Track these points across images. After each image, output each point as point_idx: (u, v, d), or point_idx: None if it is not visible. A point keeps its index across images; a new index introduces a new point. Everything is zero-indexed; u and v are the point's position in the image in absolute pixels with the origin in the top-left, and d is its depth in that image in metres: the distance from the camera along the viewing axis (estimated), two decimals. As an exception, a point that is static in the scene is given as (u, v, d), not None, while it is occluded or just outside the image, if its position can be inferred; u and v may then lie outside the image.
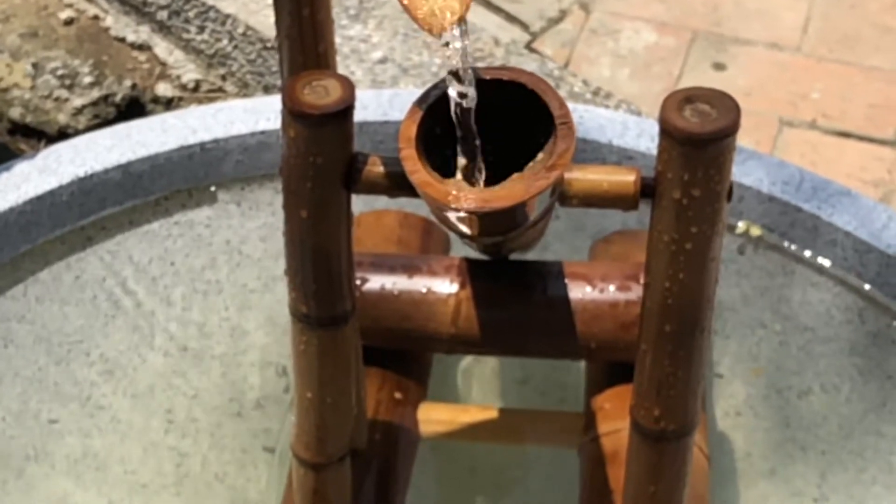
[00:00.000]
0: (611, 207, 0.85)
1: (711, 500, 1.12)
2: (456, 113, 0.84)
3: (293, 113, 0.82)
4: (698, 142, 0.80)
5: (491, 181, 0.86)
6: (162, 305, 1.24)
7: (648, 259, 0.87)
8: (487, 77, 0.84)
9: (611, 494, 1.06)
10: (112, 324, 1.23)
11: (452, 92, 0.83)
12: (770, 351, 1.23)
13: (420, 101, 0.85)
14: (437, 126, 0.85)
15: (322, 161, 0.84)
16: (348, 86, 0.83)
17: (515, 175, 0.84)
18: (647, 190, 0.84)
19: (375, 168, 0.86)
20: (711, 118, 0.80)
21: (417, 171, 0.83)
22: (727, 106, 0.80)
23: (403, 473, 1.11)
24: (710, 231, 0.84)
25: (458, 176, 0.86)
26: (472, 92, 0.83)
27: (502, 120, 0.86)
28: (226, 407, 1.24)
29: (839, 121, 1.71)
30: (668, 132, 0.80)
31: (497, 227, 0.91)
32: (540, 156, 0.85)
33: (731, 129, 0.80)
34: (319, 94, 0.83)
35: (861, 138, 1.69)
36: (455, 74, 0.82)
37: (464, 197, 0.83)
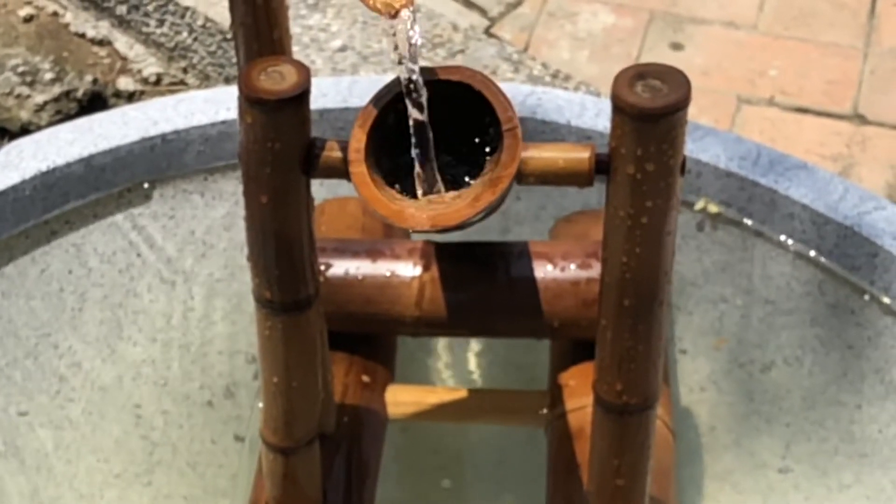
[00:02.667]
0: (566, 184, 0.86)
1: (677, 475, 1.14)
2: (410, 119, 0.84)
3: (249, 99, 0.83)
4: (650, 117, 0.81)
5: (449, 174, 0.86)
6: (129, 297, 1.25)
7: (605, 235, 0.88)
8: (439, 76, 0.84)
9: (577, 470, 1.07)
10: (79, 316, 1.23)
11: (407, 101, 0.83)
12: (732, 325, 1.24)
13: (371, 104, 0.85)
14: (389, 120, 0.85)
15: (280, 146, 0.85)
16: (304, 71, 0.84)
17: (463, 191, 0.84)
18: (602, 166, 0.85)
19: (333, 153, 0.87)
20: (663, 93, 0.81)
21: (366, 185, 0.84)
22: (678, 81, 0.81)
23: (373, 456, 1.12)
24: (665, 205, 0.85)
25: (416, 180, 0.86)
26: (421, 87, 0.83)
27: (456, 114, 0.86)
28: (195, 396, 1.25)
29: (797, 97, 1.73)
30: (620, 108, 0.81)
31: (448, 229, 0.92)
32: (488, 163, 0.85)
33: (683, 104, 0.81)
34: (275, 79, 0.83)
35: (819, 114, 1.71)
36: (408, 81, 0.83)
37: (410, 217, 0.83)
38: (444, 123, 0.85)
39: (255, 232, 0.90)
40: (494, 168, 0.84)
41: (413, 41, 0.82)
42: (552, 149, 0.86)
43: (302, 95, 0.84)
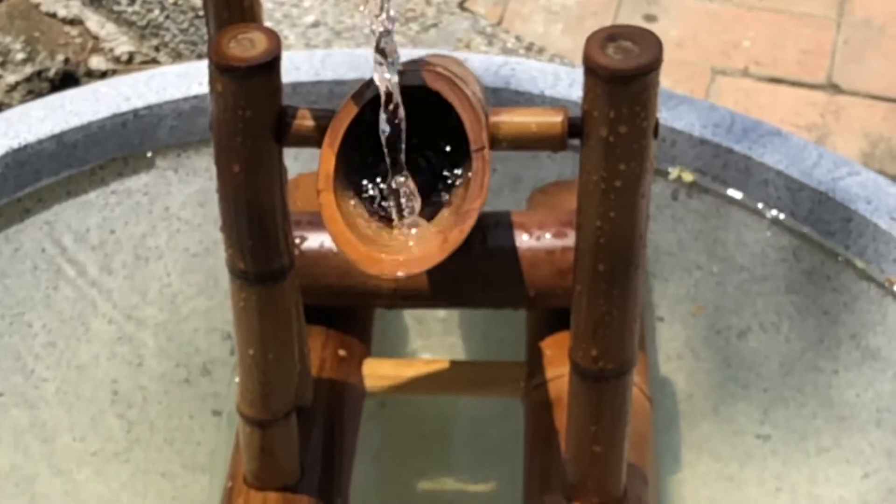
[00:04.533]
0: (540, 149, 0.86)
1: (655, 443, 1.14)
2: (382, 135, 0.82)
3: (220, 67, 0.83)
4: (622, 78, 0.81)
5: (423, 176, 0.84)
6: (103, 274, 1.24)
7: (579, 199, 0.88)
8: (414, 82, 0.82)
9: (555, 438, 1.07)
10: (54, 295, 1.23)
11: (382, 116, 0.81)
12: (708, 292, 1.24)
13: (339, 119, 0.82)
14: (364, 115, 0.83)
15: (251, 114, 0.84)
16: (274, 38, 0.84)
17: (430, 226, 0.82)
18: (575, 130, 0.85)
19: (305, 121, 0.87)
20: (634, 54, 0.81)
21: (334, 221, 0.82)
22: (650, 42, 0.81)
23: (351, 429, 1.12)
24: (639, 168, 0.85)
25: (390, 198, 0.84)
26: (394, 79, 0.81)
27: (430, 111, 0.84)
28: (172, 373, 1.25)
29: (771, 68, 1.73)
30: (592, 70, 0.81)
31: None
32: (458, 186, 0.83)
33: (654, 65, 0.81)
34: (245, 47, 0.83)
35: (793, 84, 1.71)
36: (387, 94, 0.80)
37: (378, 263, 0.81)
38: (418, 119, 0.83)
39: (227, 202, 0.89)
40: (463, 197, 0.81)
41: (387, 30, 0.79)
42: (525, 113, 0.86)
43: (272, 62, 0.83)
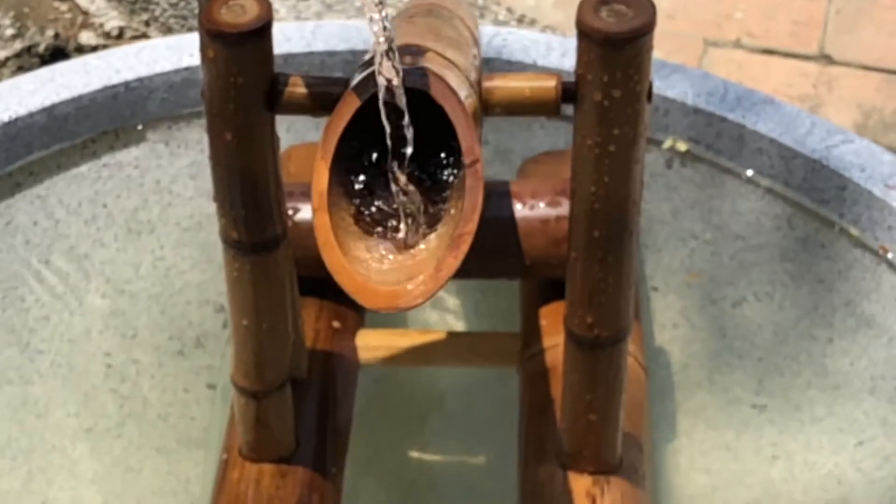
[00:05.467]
0: (533, 114, 0.85)
1: (651, 412, 1.14)
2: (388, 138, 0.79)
3: (211, 33, 0.82)
4: (616, 42, 0.80)
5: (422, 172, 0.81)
6: (95, 248, 1.24)
7: (574, 165, 0.88)
8: (412, 83, 0.78)
9: (550, 408, 1.07)
10: (46, 269, 1.22)
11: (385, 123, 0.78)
12: (702, 262, 1.24)
13: (332, 128, 0.79)
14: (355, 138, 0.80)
15: (243, 81, 0.84)
16: (265, 4, 0.83)
17: (424, 250, 0.79)
18: (569, 94, 0.84)
19: (297, 88, 0.86)
20: (628, 18, 0.80)
21: (329, 247, 0.78)
22: (643, 5, 0.81)
23: (346, 401, 1.12)
24: (633, 132, 0.84)
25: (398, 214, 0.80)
26: (396, 82, 0.77)
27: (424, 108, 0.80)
28: (165, 346, 1.24)
29: (763, 39, 1.72)
30: (585, 34, 0.81)
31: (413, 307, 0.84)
32: (450, 201, 0.79)
33: (648, 28, 0.80)
34: (236, 13, 0.82)
35: (786, 55, 1.71)
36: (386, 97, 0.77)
37: (372, 296, 0.77)
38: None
39: (220, 170, 0.89)
40: (457, 218, 0.78)
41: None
42: (518, 78, 0.86)
43: (264, 28, 0.83)
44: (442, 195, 0.81)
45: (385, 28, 0.76)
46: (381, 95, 0.78)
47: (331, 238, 0.79)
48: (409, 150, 0.80)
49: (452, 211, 0.80)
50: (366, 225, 0.81)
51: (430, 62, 0.82)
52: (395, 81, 0.77)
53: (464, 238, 0.77)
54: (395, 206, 0.81)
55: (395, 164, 0.80)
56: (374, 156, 0.81)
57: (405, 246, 0.81)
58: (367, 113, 0.79)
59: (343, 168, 0.80)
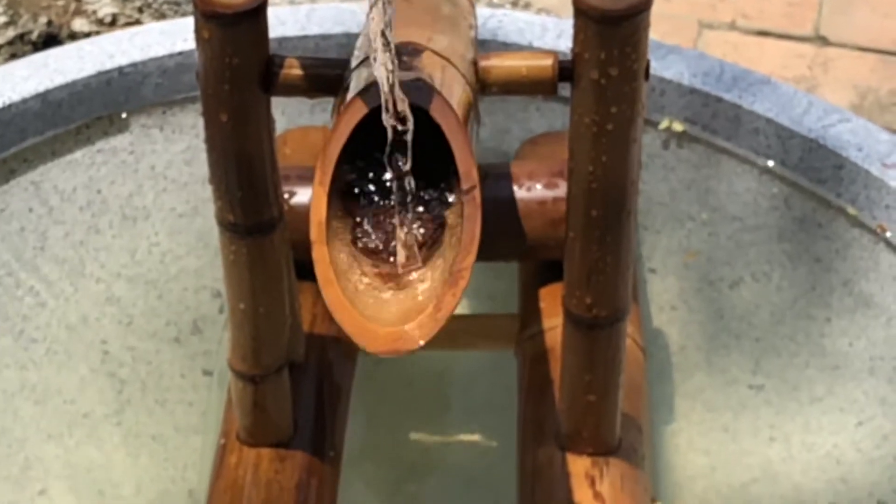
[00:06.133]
0: (530, 93, 0.85)
1: (649, 394, 1.13)
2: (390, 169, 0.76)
3: (206, 14, 0.82)
4: (613, 19, 0.80)
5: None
6: (90, 234, 1.23)
7: (571, 145, 0.87)
8: (413, 100, 0.76)
9: (548, 390, 1.07)
10: (41, 255, 1.22)
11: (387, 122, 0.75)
12: (700, 243, 1.24)
13: (330, 152, 0.76)
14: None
15: (238, 62, 0.84)
16: (260, -15, 0.83)
17: (424, 289, 0.76)
18: (566, 73, 0.84)
19: (293, 69, 0.86)
20: (625, -5, 0.80)
21: (329, 284, 0.75)
22: (639, -17, 0.80)
23: (344, 385, 1.12)
24: (631, 111, 0.84)
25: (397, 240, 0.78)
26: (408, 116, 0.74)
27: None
28: (162, 332, 1.24)
29: (758, 20, 1.72)
30: (582, 11, 0.80)
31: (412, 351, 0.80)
32: (447, 228, 0.77)
33: (645, 5, 0.80)
34: (231, -7, 0.82)
35: (780, 36, 1.71)
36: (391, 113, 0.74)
37: (373, 340, 0.74)
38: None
39: (216, 152, 0.88)
40: (456, 248, 0.75)
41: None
42: (514, 57, 0.85)
43: (259, 9, 0.82)
44: (439, 213, 0.79)
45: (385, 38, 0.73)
46: (386, 123, 0.75)
47: (331, 275, 0.76)
48: (412, 183, 0.77)
49: (450, 238, 0.77)
50: (363, 248, 0.79)
51: (427, 66, 0.80)
52: (403, 126, 0.74)
53: (462, 273, 0.74)
54: (392, 223, 0.78)
55: (399, 194, 0.77)
56: (371, 174, 0.79)
57: (403, 272, 0.78)
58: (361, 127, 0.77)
59: (338, 189, 0.78)
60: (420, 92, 0.76)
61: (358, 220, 0.79)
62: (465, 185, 0.75)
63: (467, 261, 0.74)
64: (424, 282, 0.77)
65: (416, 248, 0.78)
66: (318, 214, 0.77)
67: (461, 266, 0.74)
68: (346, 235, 0.79)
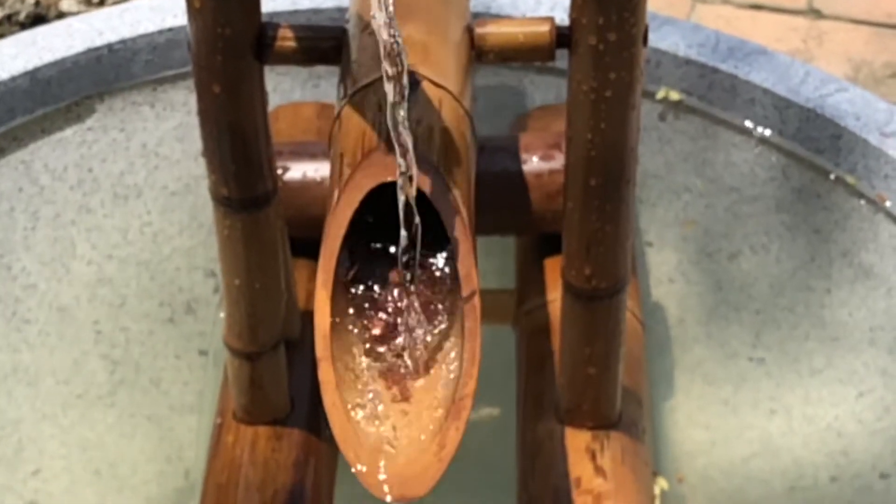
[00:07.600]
0: (528, 60, 0.84)
1: (648, 367, 1.12)
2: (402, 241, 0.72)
3: (197, -18, 0.80)
4: (611, -18, 0.79)
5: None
6: (82, 213, 1.22)
7: (569, 113, 0.86)
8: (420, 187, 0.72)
9: (548, 363, 1.06)
10: (32, 236, 1.21)
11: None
12: (697, 215, 1.23)
13: (330, 247, 0.72)
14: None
15: (230, 32, 0.82)
16: (251, -48, 0.82)
17: (425, 432, 0.71)
18: (563, 39, 0.83)
19: (286, 38, 0.85)
20: (622, -42, 0.79)
21: (336, 411, 0.70)
22: (637, -54, 0.79)
23: (339, 362, 1.10)
24: (629, 77, 0.83)
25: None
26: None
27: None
28: (156, 313, 1.23)
29: (751, -7, 1.71)
30: (579, -25, 0.79)
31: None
32: (449, 342, 0.72)
33: (643, -32, 0.79)
34: (222, -39, 0.81)
35: (774, 10, 1.69)
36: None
37: (379, 487, 0.70)
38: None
39: (208, 125, 0.87)
40: (456, 374, 0.71)
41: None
42: (511, 24, 0.84)
43: (251, -23, 0.81)
44: (440, 320, 0.73)
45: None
46: (401, 210, 0.70)
47: (337, 400, 0.71)
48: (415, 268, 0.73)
49: (451, 349, 0.72)
50: (368, 352, 0.74)
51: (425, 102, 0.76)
52: (410, 198, 0.71)
53: (464, 403, 0.70)
54: (393, 311, 0.74)
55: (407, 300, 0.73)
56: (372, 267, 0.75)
57: (409, 385, 0.73)
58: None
59: (338, 282, 0.73)
60: (425, 175, 0.72)
61: (365, 322, 0.74)
62: (465, 292, 0.71)
63: (469, 387, 0.70)
64: (428, 404, 0.72)
65: (420, 362, 0.73)
66: (323, 325, 0.71)
67: (463, 394, 0.70)
68: (352, 356, 0.73)
